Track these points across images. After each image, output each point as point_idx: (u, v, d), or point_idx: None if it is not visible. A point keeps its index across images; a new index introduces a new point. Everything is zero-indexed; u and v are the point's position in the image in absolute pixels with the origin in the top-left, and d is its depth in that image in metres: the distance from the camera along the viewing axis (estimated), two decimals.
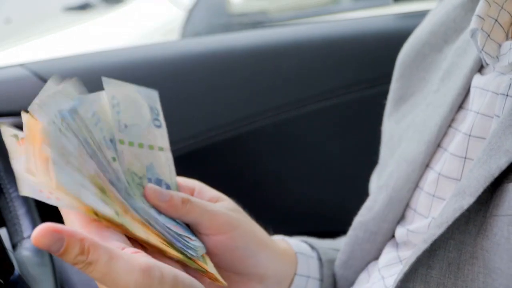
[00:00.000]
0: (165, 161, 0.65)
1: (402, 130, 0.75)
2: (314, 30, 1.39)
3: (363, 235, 0.72)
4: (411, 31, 0.81)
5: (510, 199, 0.54)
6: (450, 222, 0.56)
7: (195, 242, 0.62)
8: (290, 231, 1.30)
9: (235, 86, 1.25)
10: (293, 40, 1.31)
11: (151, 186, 0.61)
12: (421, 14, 0.81)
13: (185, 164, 1.22)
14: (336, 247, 0.77)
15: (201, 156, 1.23)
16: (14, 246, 0.76)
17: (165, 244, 0.59)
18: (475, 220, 0.57)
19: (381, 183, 0.73)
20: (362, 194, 0.84)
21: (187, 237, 0.62)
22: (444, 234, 0.57)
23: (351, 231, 0.74)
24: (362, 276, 0.72)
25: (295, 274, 0.72)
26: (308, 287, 0.73)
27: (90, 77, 1.22)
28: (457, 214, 0.56)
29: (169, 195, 0.62)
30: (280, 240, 0.75)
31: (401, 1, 1.59)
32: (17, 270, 0.68)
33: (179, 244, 0.60)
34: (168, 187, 0.64)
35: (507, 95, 0.59)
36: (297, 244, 0.75)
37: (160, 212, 0.62)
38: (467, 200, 0.56)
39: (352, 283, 0.73)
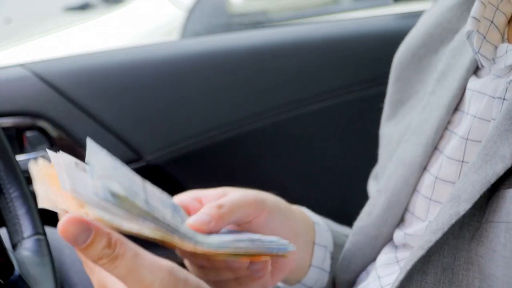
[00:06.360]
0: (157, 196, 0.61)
1: (400, 133, 0.74)
2: (314, 30, 1.39)
3: (364, 239, 0.72)
4: None
5: (508, 206, 0.53)
6: (446, 229, 0.55)
7: (277, 239, 0.63)
8: None
9: (235, 86, 1.25)
10: (293, 40, 1.31)
11: (192, 221, 0.61)
12: (421, 15, 0.81)
13: (185, 164, 1.22)
14: (346, 233, 0.77)
15: (201, 156, 1.23)
16: (14, 246, 0.75)
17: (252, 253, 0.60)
18: (469, 225, 0.56)
19: (380, 186, 0.72)
20: (362, 195, 0.84)
21: (268, 240, 0.63)
22: (439, 239, 0.56)
23: (351, 236, 0.74)
24: (362, 277, 0.72)
25: (314, 243, 0.72)
26: (326, 258, 0.73)
27: (90, 77, 1.23)
28: (453, 220, 0.55)
29: (209, 214, 0.61)
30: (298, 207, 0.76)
31: (401, 1, 1.59)
32: (17, 270, 0.67)
33: (273, 249, 0.61)
34: (175, 208, 0.63)
35: (503, 99, 0.59)
36: (313, 215, 0.76)
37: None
38: (463, 206, 0.55)
39: (353, 284, 0.73)
